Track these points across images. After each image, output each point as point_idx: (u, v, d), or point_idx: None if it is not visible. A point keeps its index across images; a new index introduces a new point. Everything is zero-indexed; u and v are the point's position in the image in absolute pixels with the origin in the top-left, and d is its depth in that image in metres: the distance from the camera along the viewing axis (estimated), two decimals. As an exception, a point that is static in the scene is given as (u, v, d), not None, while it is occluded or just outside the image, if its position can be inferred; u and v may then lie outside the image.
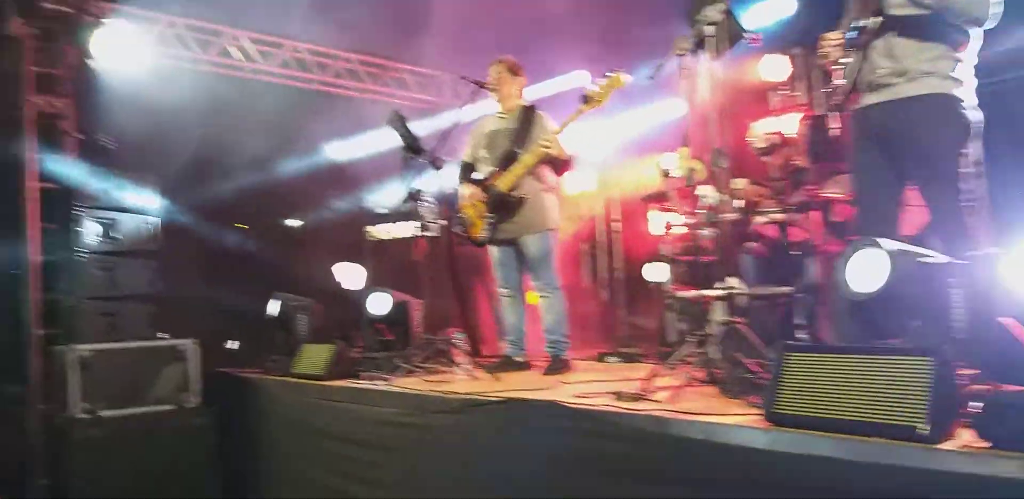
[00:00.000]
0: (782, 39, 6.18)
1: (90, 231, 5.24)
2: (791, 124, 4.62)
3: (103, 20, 5.86)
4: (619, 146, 7.02)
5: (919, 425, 1.97)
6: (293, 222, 7.73)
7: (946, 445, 1.93)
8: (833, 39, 3.12)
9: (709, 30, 3.06)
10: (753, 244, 4.54)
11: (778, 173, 4.33)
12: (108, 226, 5.32)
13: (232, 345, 6.63)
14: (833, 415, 2.22)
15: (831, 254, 4.04)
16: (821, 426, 2.23)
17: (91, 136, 6.15)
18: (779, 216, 4.16)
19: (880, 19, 2.93)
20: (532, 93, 5.82)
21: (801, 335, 3.71)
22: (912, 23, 2.93)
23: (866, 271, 2.54)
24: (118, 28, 5.91)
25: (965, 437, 1.96)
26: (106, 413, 4.91)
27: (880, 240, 2.57)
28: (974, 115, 2.98)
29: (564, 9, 6.49)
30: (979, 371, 2.12)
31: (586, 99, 4.14)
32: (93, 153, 6.04)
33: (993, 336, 2.07)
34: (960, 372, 2.10)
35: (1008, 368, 2.06)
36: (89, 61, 5.78)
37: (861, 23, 2.98)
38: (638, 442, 2.64)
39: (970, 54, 3.02)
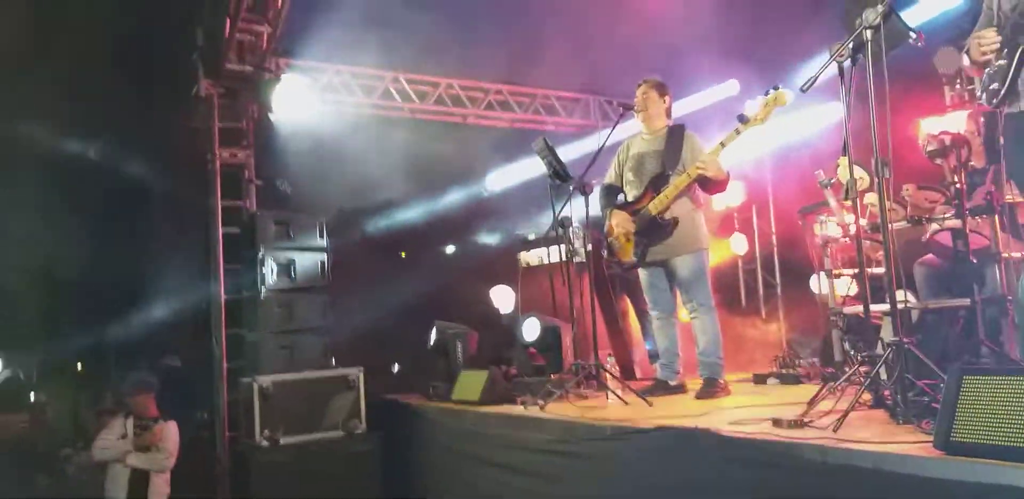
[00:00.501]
0: (951, 31, 5.72)
1: (270, 271, 5.63)
2: (960, 122, 4.24)
3: (280, 75, 6.34)
4: (773, 156, 6.74)
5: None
6: (448, 249, 7.99)
7: None
8: (989, 40, 2.80)
9: (868, 34, 2.85)
10: (928, 255, 4.19)
11: (952, 176, 3.96)
12: (285, 265, 5.70)
13: (395, 368, 6.92)
14: (1016, 443, 1.99)
15: (1015, 261, 3.65)
16: (1003, 455, 2.01)
17: (269, 182, 6.67)
18: (954, 222, 3.80)
19: None
20: (680, 107, 5.73)
21: (984, 352, 3.35)
22: None
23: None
24: (291, 81, 6.37)
25: None
26: (285, 440, 5.22)
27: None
28: None
29: (708, 19, 6.33)
30: None
31: (745, 119, 4.01)
32: (271, 198, 6.55)
33: None
34: None
35: None
36: (269, 114, 6.25)
37: None
38: (799, 472, 2.48)
39: None
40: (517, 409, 4.23)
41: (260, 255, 5.67)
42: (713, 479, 2.76)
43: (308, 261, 5.83)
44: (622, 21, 6.52)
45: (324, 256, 5.90)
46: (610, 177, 4.74)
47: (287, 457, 5.18)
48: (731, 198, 7.06)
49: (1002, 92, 2.79)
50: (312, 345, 5.70)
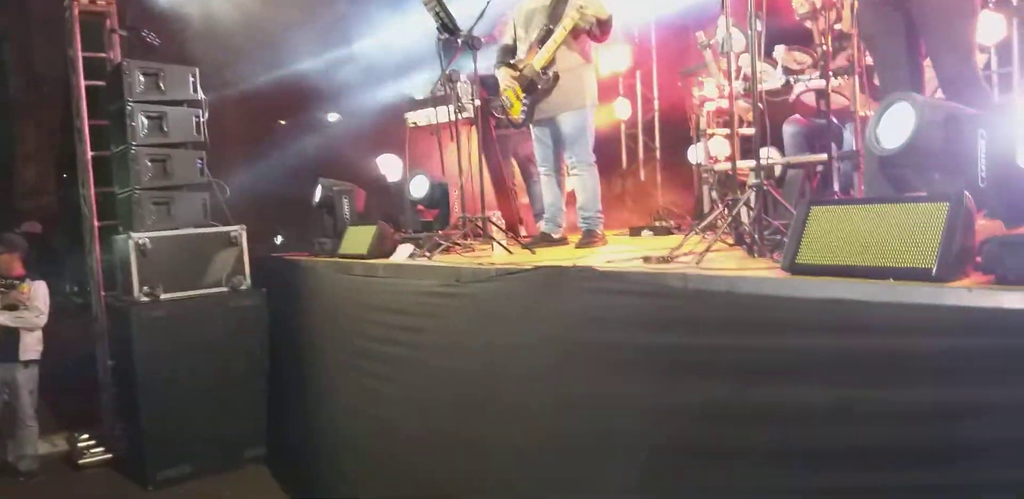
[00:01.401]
0: None
1: (140, 124, 5.36)
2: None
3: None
4: (658, 21, 6.79)
5: (931, 266, 1.99)
6: (332, 116, 7.78)
7: (955, 283, 1.95)
8: None
9: None
10: (795, 114, 4.45)
11: (820, 38, 4.16)
12: (157, 119, 5.43)
13: (278, 239, 6.89)
14: (851, 262, 2.25)
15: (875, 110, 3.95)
16: (839, 273, 2.26)
17: (135, 32, 6.21)
18: (819, 83, 4.04)
19: None
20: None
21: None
22: None
23: (896, 126, 2.50)
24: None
25: (975, 276, 1.98)
26: (165, 295, 5.19)
27: (911, 94, 2.50)
28: None
29: None
30: (998, 217, 2.11)
31: None
32: (138, 49, 6.12)
33: (1013, 182, 2.04)
34: (979, 220, 2.09)
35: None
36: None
37: None
38: (663, 298, 2.72)
39: None
40: (405, 260, 4.35)
41: (129, 108, 5.37)
42: (586, 308, 2.98)
43: (181, 115, 5.56)
44: None
45: (199, 111, 5.64)
46: (507, 37, 4.70)
47: (168, 311, 5.17)
48: (618, 62, 7.13)
49: None
50: (190, 202, 5.55)
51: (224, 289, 5.45)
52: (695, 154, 5.57)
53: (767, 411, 2.28)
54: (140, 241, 5.19)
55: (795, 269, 2.41)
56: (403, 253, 4.33)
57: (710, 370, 2.47)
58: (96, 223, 6.02)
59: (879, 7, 3.08)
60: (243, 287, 5.49)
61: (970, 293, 1.89)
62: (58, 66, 6.57)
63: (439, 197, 5.00)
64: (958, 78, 2.84)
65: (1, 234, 5.68)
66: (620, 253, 3.67)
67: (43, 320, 5.29)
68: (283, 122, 7.89)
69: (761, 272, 2.56)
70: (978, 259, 2.01)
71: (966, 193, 2.06)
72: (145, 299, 5.16)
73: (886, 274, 2.12)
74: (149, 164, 5.42)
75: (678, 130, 6.18)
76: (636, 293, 2.79)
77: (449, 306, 3.67)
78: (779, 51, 4.27)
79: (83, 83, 6.05)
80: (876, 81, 4.07)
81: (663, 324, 2.67)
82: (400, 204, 5.43)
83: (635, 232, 5.03)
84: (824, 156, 3.88)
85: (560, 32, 4.28)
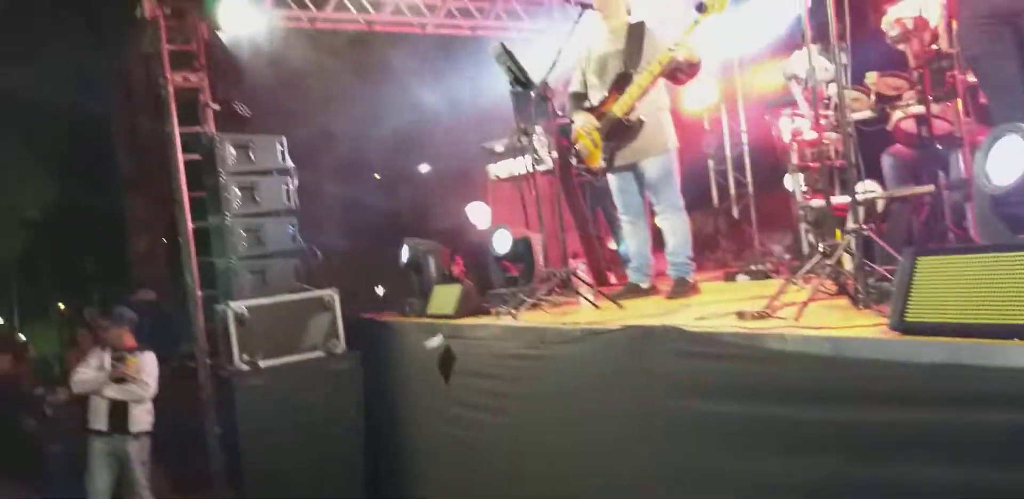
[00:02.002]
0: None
1: (234, 196, 5.53)
2: (930, 3, 4.09)
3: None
4: (740, 51, 6.55)
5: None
6: (423, 167, 7.86)
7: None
8: None
9: None
10: (895, 144, 4.13)
11: (916, 61, 3.87)
12: (249, 189, 5.59)
13: (380, 290, 6.93)
14: (968, 320, 2.00)
15: (980, 144, 3.61)
16: (955, 332, 2.02)
17: (227, 105, 6.47)
18: (918, 109, 3.73)
19: None
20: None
21: (950, 237, 3.35)
22: None
23: (1007, 161, 2.24)
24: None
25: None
26: (264, 363, 5.27)
27: (1021, 125, 2.24)
28: None
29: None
30: None
31: (703, 7, 3.87)
32: (231, 122, 6.37)
33: None
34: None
35: None
36: (217, 31, 5.99)
37: None
38: (760, 361, 2.50)
39: None
40: (491, 319, 4.26)
41: (223, 180, 5.55)
42: (676, 374, 2.79)
43: (272, 184, 5.72)
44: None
45: (288, 178, 5.78)
46: (576, 84, 4.61)
47: (268, 379, 5.25)
48: (705, 97, 6.94)
49: None
50: (283, 269, 5.67)
51: (320, 353, 5.50)
52: (792, 182, 5.29)
53: (884, 493, 2.03)
54: (238, 310, 5.30)
55: (905, 328, 2.16)
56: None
57: (816, 445, 2.23)
58: (199, 292, 6.22)
59: (986, 25, 2.88)
60: (338, 350, 5.53)
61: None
62: (159, 139, 6.91)
63: (523, 251, 4.91)
64: None
65: (112, 309, 5.94)
66: (713, 306, 3.44)
67: (151, 392, 5.43)
68: (378, 176, 8.01)
69: (867, 331, 2.32)
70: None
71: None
72: (246, 368, 5.25)
73: (1010, 333, 1.87)
74: (244, 234, 5.57)
75: (769, 164, 5.89)
76: (730, 357, 2.58)
77: (534, 369, 3.55)
78: (871, 77, 3.99)
79: (181, 157, 6.32)
80: (983, 101, 3.75)
81: (762, 393, 2.44)
82: (485, 258, 5.37)
83: (730, 277, 4.77)
84: (930, 187, 3.56)
85: (646, 77, 4.15)
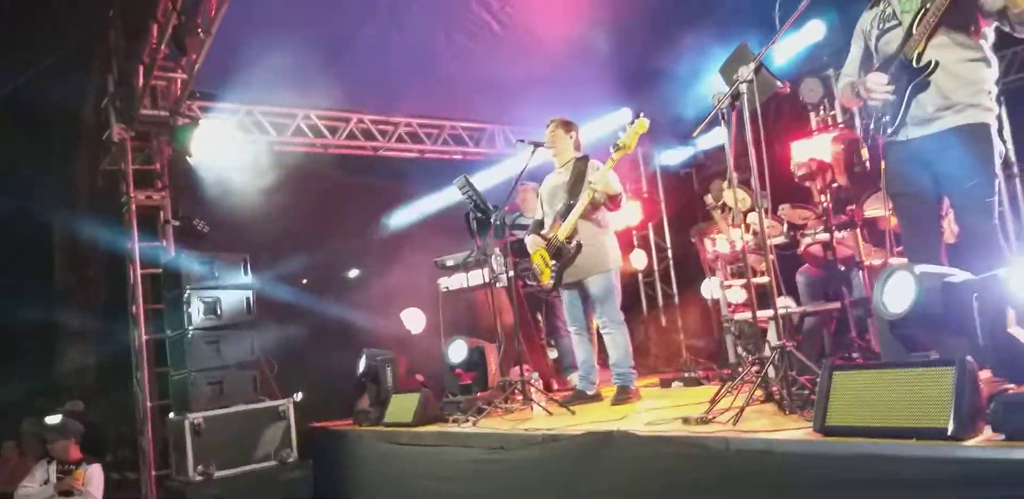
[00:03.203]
0: (814, 62, 6.42)
1: (196, 310, 5.73)
2: (826, 146, 4.83)
3: (195, 118, 6.46)
4: (664, 178, 7.29)
5: (946, 426, 2.19)
6: (351, 273, 8.22)
7: (970, 441, 2.14)
8: (881, 83, 3.20)
9: (744, 87, 3.32)
10: (805, 265, 4.75)
11: (819, 196, 4.54)
12: (212, 304, 5.81)
13: (297, 397, 7.08)
14: (877, 424, 2.45)
15: (877, 268, 4.22)
16: (867, 434, 2.46)
17: (187, 222, 6.75)
18: (824, 236, 4.36)
19: (933, 63, 3.07)
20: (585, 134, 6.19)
21: (855, 347, 3.88)
22: (951, 58, 3.08)
23: (899, 293, 2.76)
24: (205, 123, 6.50)
25: (987, 432, 2.17)
26: (219, 473, 5.33)
27: (908, 265, 2.79)
28: (998, 139, 3.16)
29: (600, 54, 6.86)
30: (998, 373, 2.33)
31: (616, 147, 4.50)
32: (190, 237, 6.64)
33: (1008, 346, 2.28)
34: (982, 378, 2.31)
35: (1018, 371, 2.27)
36: (188, 157, 6.35)
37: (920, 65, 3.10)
38: (707, 460, 2.87)
39: (995, 84, 3.19)
40: (450, 426, 4.53)
41: (186, 295, 5.75)
42: (634, 473, 3.13)
43: (234, 298, 5.93)
44: (521, 57, 6.98)
45: (249, 293, 6.02)
46: (538, 212, 5.16)
47: (222, 490, 5.27)
48: (630, 218, 7.62)
49: (893, 125, 3.23)
50: (241, 380, 5.79)
51: (273, 463, 5.58)
52: (709, 290, 5.85)
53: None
54: (195, 421, 5.39)
55: (827, 430, 2.59)
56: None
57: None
58: (148, 404, 6.28)
59: (906, 167, 3.26)
60: (291, 460, 5.62)
61: (983, 451, 2.07)
62: (100, 250, 7.09)
63: (477, 360, 5.25)
64: (978, 236, 3.08)
65: (60, 421, 5.92)
66: (656, 412, 3.83)
67: (97, 505, 5.40)
68: (305, 282, 8.27)
69: (796, 433, 2.74)
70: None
71: (968, 358, 2.28)
72: (200, 478, 5.29)
73: (909, 434, 2.32)
74: (204, 346, 5.73)
75: (692, 275, 6.50)
76: (682, 458, 2.95)
77: (495, 473, 3.80)
78: (783, 209, 4.63)
79: (139, 271, 6.52)
80: (880, 228, 4.40)
81: (713, 490, 2.81)
82: (431, 361, 5.68)
83: (665, 384, 5.22)
84: (837, 304, 4.12)
85: (578, 207, 4.70)
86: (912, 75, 3.12)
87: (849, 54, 3.51)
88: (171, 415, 5.84)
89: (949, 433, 2.18)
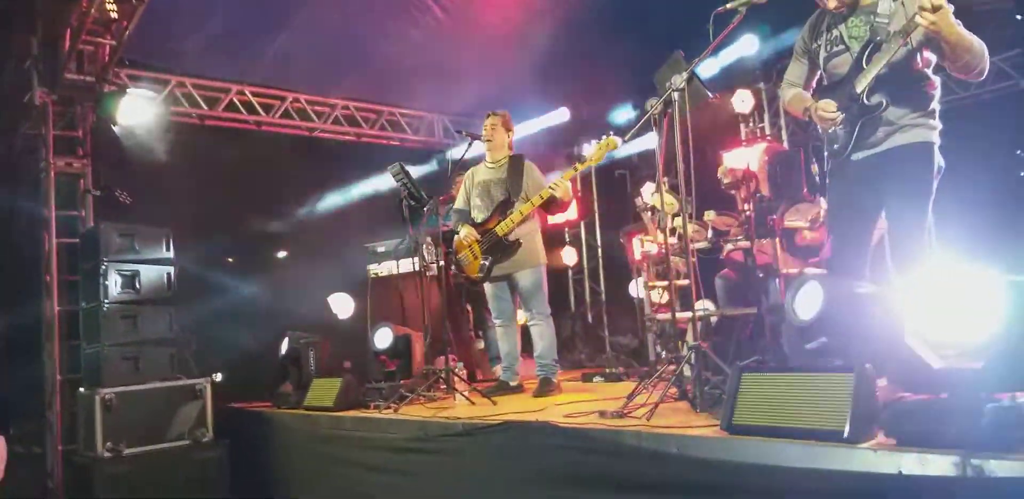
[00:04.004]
0: (748, 74, 6.64)
1: (113, 283, 5.59)
2: (756, 157, 5.03)
3: (123, 86, 6.27)
4: (601, 178, 7.43)
5: (843, 429, 2.35)
6: (280, 254, 8.13)
7: (864, 444, 2.31)
8: (830, 112, 3.27)
9: (676, 95, 3.44)
10: (725, 269, 4.94)
11: (743, 204, 4.72)
12: (130, 277, 5.67)
13: (217, 377, 7.00)
14: (780, 424, 2.61)
15: (792, 276, 4.43)
16: (770, 433, 2.61)
17: (108, 192, 6.55)
18: (745, 243, 4.55)
19: (884, 104, 3.17)
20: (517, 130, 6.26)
21: (767, 351, 4.07)
22: (898, 84, 3.18)
23: (809, 301, 2.94)
24: (133, 92, 6.31)
25: (880, 437, 2.34)
26: (129, 451, 5.23)
27: (820, 275, 2.96)
28: (940, 156, 3.28)
29: (543, 52, 6.93)
30: (894, 383, 2.51)
31: (583, 159, 4.65)
32: (111, 208, 6.45)
33: (904, 355, 2.45)
34: (878, 385, 2.48)
35: (914, 381, 2.45)
36: (113, 126, 6.16)
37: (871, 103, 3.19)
38: (620, 455, 3.00)
39: (939, 102, 3.31)
40: (371, 412, 4.57)
41: (103, 267, 5.60)
42: (551, 464, 3.24)
43: (153, 273, 5.80)
44: (462, 47, 7.00)
45: (170, 268, 5.90)
46: (460, 202, 5.21)
47: (131, 468, 5.17)
48: (567, 213, 7.74)
49: (845, 153, 3.31)
50: (159, 357, 5.68)
51: (187, 442, 5.51)
52: (636, 290, 6.02)
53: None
54: (107, 397, 5.28)
55: (733, 429, 2.74)
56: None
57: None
58: (58, 377, 6.10)
59: (852, 184, 3.33)
60: (205, 439, 5.56)
61: (875, 454, 2.24)
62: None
63: (402, 348, 5.28)
64: (904, 249, 3.18)
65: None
66: (576, 405, 3.95)
67: (-2, 478, 5.23)
68: (231, 260, 8.15)
69: (704, 431, 2.89)
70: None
71: (867, 365, 2.45)
72: (108, 455, 5.19)
73: (809, 435, 2.48)
74: (120, 320, 5.59)
75: (620, 274, 6.67)
76: (597, 451, 3.07)
77: (420, 462, 3.86)
78: (709, 215, 4.81)
79: (55, 241, 6.31)
80: (797, 241, 4.62)
81: (625, 482, 2.94)
82: (357, 347, 5.69)
83: (587, 378, 5.37)
84: (754, 309, 4.31)
85: (527, 206, 4.82)
86: (862, 111, 3.22)
87: (791, 65, 3.59)
88: (81, 389, 5.70)
89: (845, 436, 2.34)
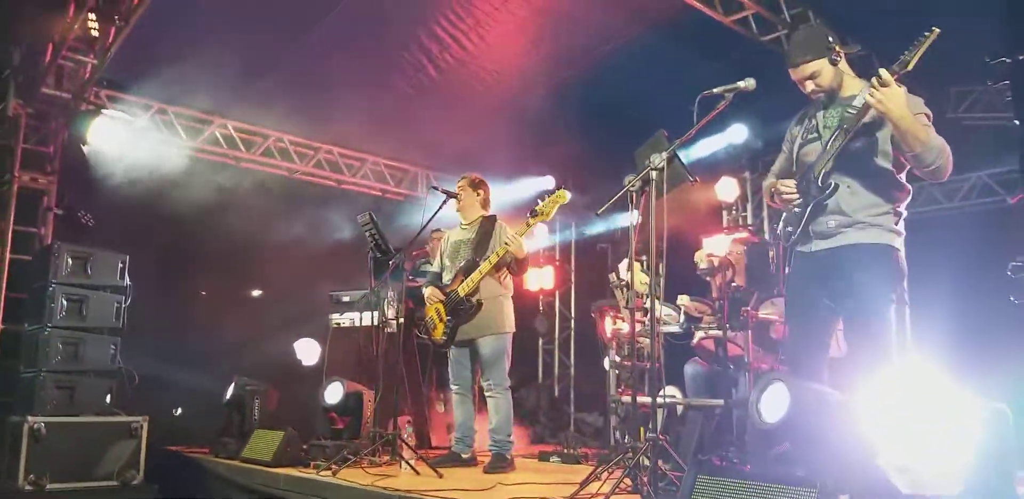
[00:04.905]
0: (734, 163, 6.70)
1: (59, 306, 5.35)
2: (732, 245, 4.98)
3: (99, 107, 6.17)
4: (579, 249, 7.37)
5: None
6: (255, 292, 7.92)
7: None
8: (789, 190, 3.28)
9: (654, 174, 3.39)
10: (696, 357, 4.83)
11: (718, 292, 4.65)
12: (77, 302, 5.44)
13: (177, 412, 6.70)
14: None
15: (763, 371, 4.33)
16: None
17: (71, 213, 6.37)
18: (717, 332, 4.45)
19: (834, 186, 3.16)
20: (501, 193, 6.22)
21: (731, 447, 3.93)
22: (858, 178, 3.17)
23: (774, 403, 2.82)
24: (111, 114, 6.22)
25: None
26: (52, 486, 4.92)
27: (788, 376, 2.86)
28: (904, 262, 3.23)
29: (534, 122, 6.97)
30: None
31: (534, 213, 4.52)
32: (71, 229, 6.26)
33: (870, 475, 2.34)
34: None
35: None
36: (83, 145, 6.04)
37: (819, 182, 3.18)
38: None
39: (905, 208, 3.28)
40: (309, 472, 4.33)
41: (51, 289, 5.38)
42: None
43: (103, 301, 5.57)
44: (454, 106, 7.02)
45: (122, 298, 5.67)
46: (435, 265, 5.10)
47: (52, 503, 4.88)
48: (544, 281, 7.66)
49: (795, 236, 3.30)
50: (96, 389, 5.40)
51: (114, 483, 5.20)
52: (610, 367, 5.87)
53: None
54: (36, 426, 4.99)
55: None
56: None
57: None
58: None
59: (805, 278, 3.30)
60: (135, 482, 5.25)
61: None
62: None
63: (353, 406, 5.06)
64: (861, 359, 3.04)
65: None
66: (525, 488, 3.76)
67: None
68: (204, 293, 7.94)
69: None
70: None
71: (830, 481, 2.32)
72: (29, 488, 4.87)
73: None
74: (60, 347, 5.33)
75: (592, 348, 6.54)
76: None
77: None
78: (683, 299, 4.73)
79: (8, 256, 6.10)
80: (771, 334, 4.53)
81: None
82: (312, 404, 5.45)
83: (544, 457, 5.16)
84: (721, 402, 4.19)
85: (486, 265, 4.68)
86: (816, 193, 3.21)
87: (778, 156, 3.60)
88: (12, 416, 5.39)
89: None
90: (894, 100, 2.91)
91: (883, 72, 2.89)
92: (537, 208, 4.54)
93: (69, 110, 6.23)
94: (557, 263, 7.92)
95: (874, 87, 2.92)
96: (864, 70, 3.45)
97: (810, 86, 3.29)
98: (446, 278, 4.91)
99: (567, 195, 4.54)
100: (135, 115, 6.79)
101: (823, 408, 2.65)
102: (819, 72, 3.24)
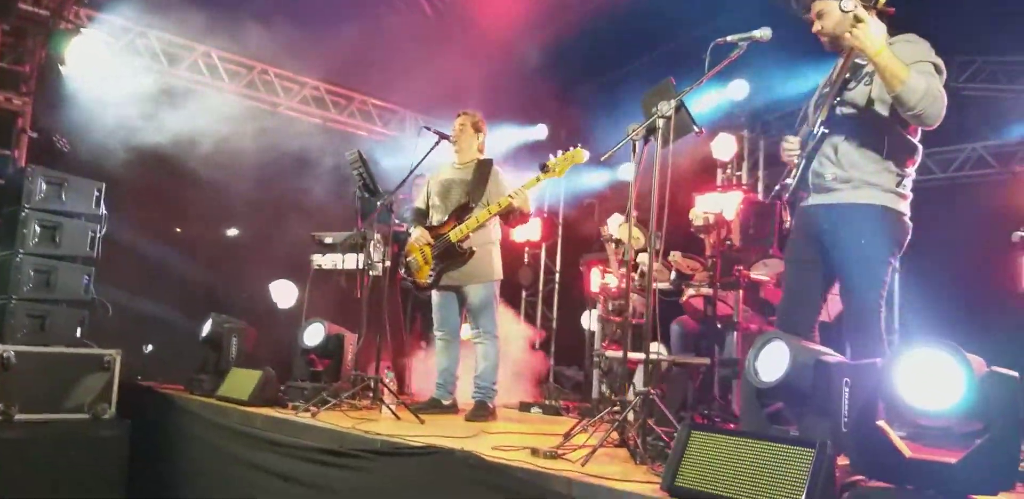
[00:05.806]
0: (733, 120, 6.57)
1: (32, 232, 5.18)
2: (730, 204, 4.91)
3: (79, 27, 5.89)
4: (569, 201, 7.28)
5: (798, 508, 2.18)
6: (231, 231, 7.75)
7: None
8: (792, 145, 3.23)
9: (660, 122, 3.26)
10: (683, 315, 4.79)
11: (711, 250, 4.59)
12: (51, 229, 5.27)
13: (148, 348, 6.60)
14: (726, 493, 2.42)
15: (752, 332, 4.30)
16: (714, 501, 2.42)
17: (47, 136, 6.13)
18: (707, 291, 4.40)
19: (824, 130, 3.09)
20: (491, 140, 6.05)
21: (715, 405, 3.92)
22: (856, 130, 3.08)
23: (772, 362, 2.77)
24: (90, 35, 5.94)
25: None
26: (20, 416, 4.83)
27: (787, 335, 2.80)
28: (906, 227, 3.15)
29: (531, 66, 6.77)
30: (855, 464, 2.35)
31: (545, 168, 4.35)
32: (46, 153, 6.02)
33: (872, 437, 2.29)
34: (840, 463, 2.31)
35: (878, 466, 2.29)
36: (60, 66, 5.78)
37: (814, 130, 3.13)
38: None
39: (912, 169, 3.17)
40: (287, 413, 4.27)
41: (23, 214, 5.19)
42: (468, 497, 3.00)
43: (78, 229, 5.40)
44: (448, 48, 6.78)
45: (97, 226, 5.50)
46: (420, 201, 4.94)
47: (21, 435, 4.77)
48: (531, 233, 7.55)
49: (792, 186, 3.21)
50: (68, 319, 5.28)
51: (85, 416, 5.11)
52: (588, 321, 5.84)
53: None
54: (4, 354, 4.86)
55: (675, 491, 2.54)
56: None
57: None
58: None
59: (801, 235, 3.29)
60: (106, 416, 5.16)
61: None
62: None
63: (333, 348, 4.97)
64: (854, 320, 3.08)
65: None
66: (509, 437, 3.73)
67: None
68: (179, 230, 7.76)
69: (642, 487, 2.68)
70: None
71: (829, 443, 2.28)
72: (-3, 416, 4.78)
73: (761, 508, 2.29)
74: (32, 274, 5.18)
75: (575, 302, 6.49)
76: (517, 492, 2.84)
77: (327, 476, 3.57)
78: (675, 256, 4.66)
79: (-21, 179, 5.87)
80: (761, 295, 4.50)
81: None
82: (291, 345, 5.37)
83: (525, 408, 5.14)
84: (706, 360, 4.16)
85: (484, 214, 4.55)
86: (815, 142, 3.14)
87: None
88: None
89: (799, 517, 2.17)
90: (868, 34, 2.82)
91: (855, 8, 2.81)
92: (549, 164, 4.36)
93: (47, 28, 5.93)
94: (545, 216, 7.80)
95: (851, 24, 2.83)
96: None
97: (816, 27, 3.17)
98: (435, 219, 4.78)
99: (584, 155, 4.35)
100: (115, 37, 6.49)
101: (824, 369, 2.60)
102: (824, 13, 3.12)
